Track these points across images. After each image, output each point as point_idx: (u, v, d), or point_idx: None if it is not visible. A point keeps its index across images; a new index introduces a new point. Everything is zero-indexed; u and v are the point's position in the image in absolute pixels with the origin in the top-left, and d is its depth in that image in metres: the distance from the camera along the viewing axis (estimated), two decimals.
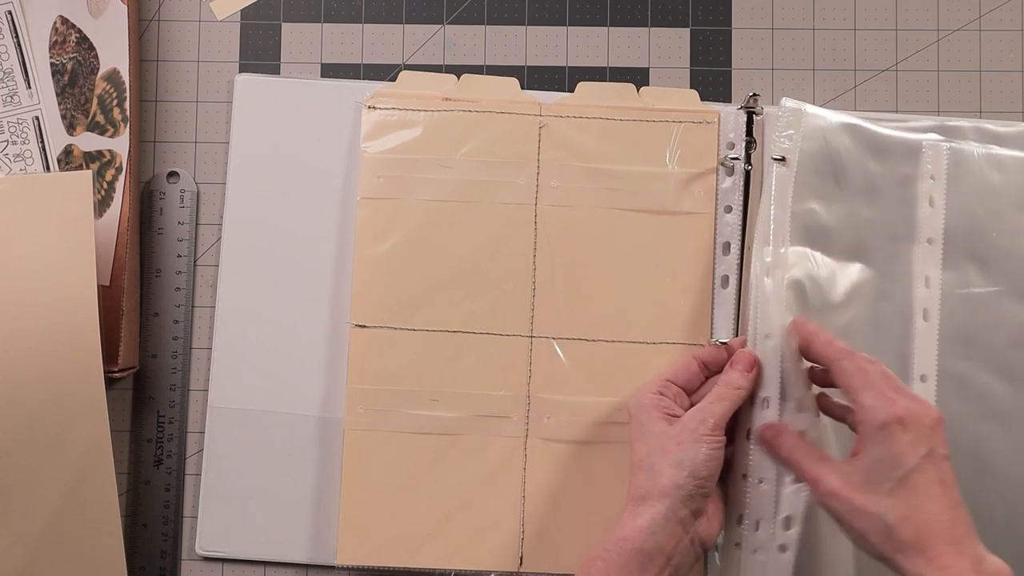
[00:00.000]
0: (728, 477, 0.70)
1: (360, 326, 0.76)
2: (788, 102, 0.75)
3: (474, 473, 0.75)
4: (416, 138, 0.77)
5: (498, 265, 0.77)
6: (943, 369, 0.74)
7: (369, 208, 0.77)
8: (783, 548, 0.68)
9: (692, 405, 0.69)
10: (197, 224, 0.80)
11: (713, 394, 0.68)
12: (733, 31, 0.81)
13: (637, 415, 0.69)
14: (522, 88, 0.79)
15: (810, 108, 0.75)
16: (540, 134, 0.77)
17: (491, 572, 0.75)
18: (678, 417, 0.68)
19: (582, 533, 0.75)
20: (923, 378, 0.74)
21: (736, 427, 0.70)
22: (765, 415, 0.69)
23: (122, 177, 0.77)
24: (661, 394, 0.69)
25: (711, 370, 0.71)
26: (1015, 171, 0.76)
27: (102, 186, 0.77)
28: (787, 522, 0.68)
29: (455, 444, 0.76)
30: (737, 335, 0.75)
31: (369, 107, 0.78)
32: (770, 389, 0.69)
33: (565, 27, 0.81)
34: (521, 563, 0.75)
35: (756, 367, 0.69)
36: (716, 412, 0.67)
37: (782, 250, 0.71)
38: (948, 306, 0.75)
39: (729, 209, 0.76)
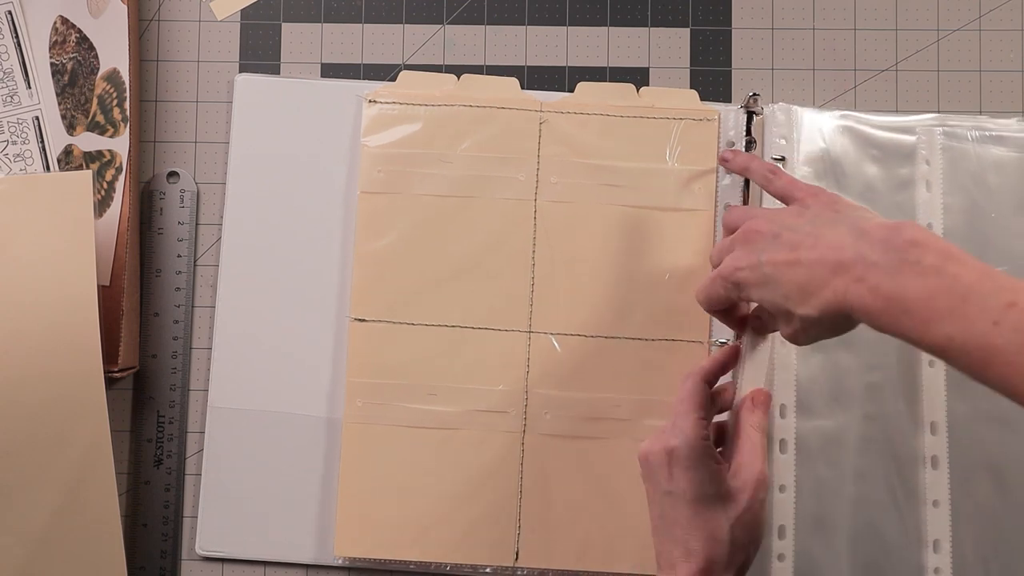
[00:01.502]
0: None
1: (359, 320, 0.76)
2: (778, 109, 0.75)
3: (472, 467, 0.75)
4: (416, 132, 0.78)
5: (497, 260, 0.77)
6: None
7: (369, 202, 0.77)
8: (781, 557, 0.70)
9: None
10: (197, 224, 0.80)
11: (759, 449, 0.63)
12: (733, 31, 0.81)
13: (690, 468, 0.62)
14: (522, 88, 0.79)
15: (800, 111, 0.75)
16: (540, 130, 0.77)
17: (487, 566, 0.75)
18: (723, 466, 0.63)
19: (578, 529, 0.75)
20: (930, 363, 0.73)
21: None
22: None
23: (122, 177, 0.77)
24: (706, 438, 0.63)
25: (712, 383, 0.68)
26: (1014, 173, 0.75)
27: (102, 186, 0.77)
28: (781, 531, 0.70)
29: (453, 438, 0.75)
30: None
31: (370, 101, 0.78)
32: None
33: (565, 27, 0.81)
34: (517, 558, 0.75)
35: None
36: (767, 471, 0.63)
37: None
38: None
39: (729, 207, 0.77)
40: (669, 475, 0.62)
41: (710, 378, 0.66)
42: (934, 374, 0.73)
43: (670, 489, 0.62)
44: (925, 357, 0.73)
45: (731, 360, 0.69)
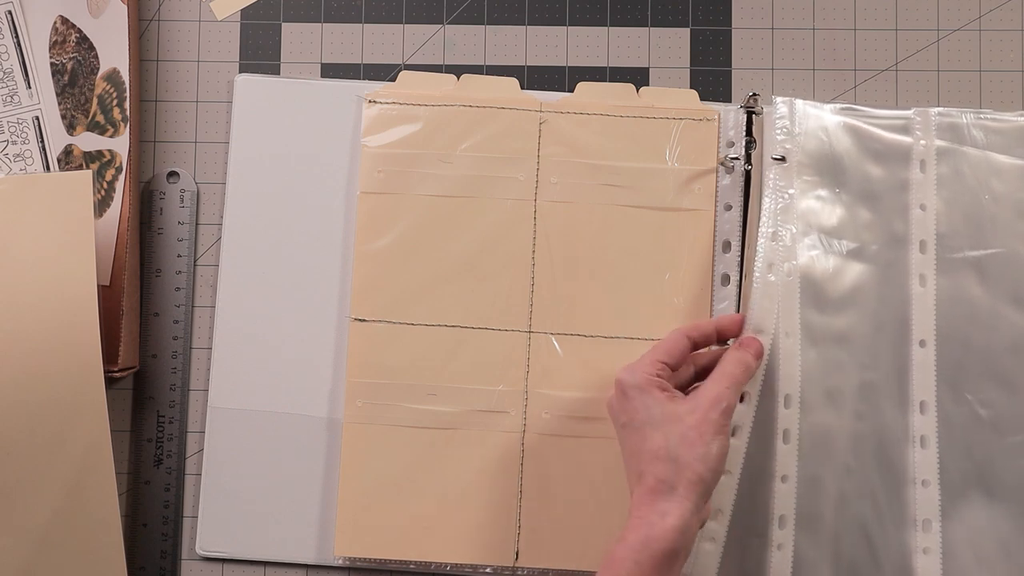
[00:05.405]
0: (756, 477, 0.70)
1: (359, 320, 0.76)
2: (780, 101, 0.75)
3: (471, 468, 0.75)
4: (416, 133, 0.78)
5: (497, 260, 0.77)
6: (941, 374, 0.73)
7: (369, 203, 0.77)
8: (780, 547, 0.70)
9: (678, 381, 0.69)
10: (197, 224, 0.80)
11: (726, 376, 0.66)
12: (733, 31, 0.81)
13: (636, 397, 0.65)
14: (522, 88, 0.79)
15: (803, 104, 0.75)
16: (540, 130, 0.77)
17: (487, 566, 0.75)
18: (676, 396, 0.66)
19: (578, 528, 0.75)
20: (922, 346, 0.73)
21: (766, 429, 0.70)
22: (741, 408, 0.69)
23: (122, 177, 0.77)
24: (658, 375, 0.66)
25: (698, 347, 0.70)
26: (1012, 174, 0.75)
27: (102, 186, 0.77)
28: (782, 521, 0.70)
29: (453, 438, 0.76)
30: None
31: (370, 101, 0.78)
32: (751, 385, 0.69)
33: (565, 27, 0.81)
34: (517, 558, 0.75)
35: (763, 355, 0.69)
36: (731, 399, 0.65)
37: (782, 246, 0.72)
38: (943, 273, 0.74)
39: (729, 207, 0.77)
40: (622, 408, 0.66)
41: (696, 336, 0.69)
42: (924, 353, 0.73)
43: (624, 421, 0.66)
44: (915, 336, 0.73)
45: (728, 329, 0.70)
